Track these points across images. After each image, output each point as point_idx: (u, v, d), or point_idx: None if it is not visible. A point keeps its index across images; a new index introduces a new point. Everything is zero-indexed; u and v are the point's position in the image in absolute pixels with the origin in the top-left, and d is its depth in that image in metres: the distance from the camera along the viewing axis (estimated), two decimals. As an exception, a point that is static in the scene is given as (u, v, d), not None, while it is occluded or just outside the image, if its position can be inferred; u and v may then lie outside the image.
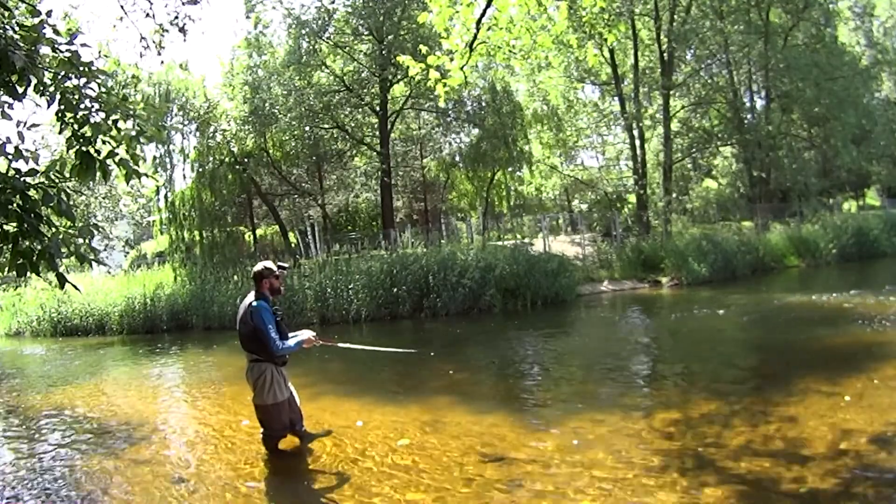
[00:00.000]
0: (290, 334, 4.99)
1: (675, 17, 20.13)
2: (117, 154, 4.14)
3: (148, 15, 7.10)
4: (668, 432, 4.83)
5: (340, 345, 5.82)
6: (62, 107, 4.02)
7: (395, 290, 13.90)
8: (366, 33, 18.66)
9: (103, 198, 22.18)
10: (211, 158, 19.41)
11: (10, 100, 3.97)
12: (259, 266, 4.96)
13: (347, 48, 19.00)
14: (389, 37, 17.68)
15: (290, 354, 4.99)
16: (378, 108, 19.54)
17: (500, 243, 18.50)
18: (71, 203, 4.11)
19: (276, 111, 17.98)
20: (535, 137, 24.15)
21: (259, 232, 25.41)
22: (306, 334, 5.05)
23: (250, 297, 4.89)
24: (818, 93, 20.89)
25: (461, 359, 9.07)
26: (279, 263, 5.09)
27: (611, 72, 21.89)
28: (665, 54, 20.36)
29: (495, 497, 3.90)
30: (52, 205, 3.82)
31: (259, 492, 4.33)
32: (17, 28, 4.00)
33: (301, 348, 4.99)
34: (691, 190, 28.09)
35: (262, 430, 5.06)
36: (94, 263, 5.01)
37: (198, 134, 19.35)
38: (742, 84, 24.45)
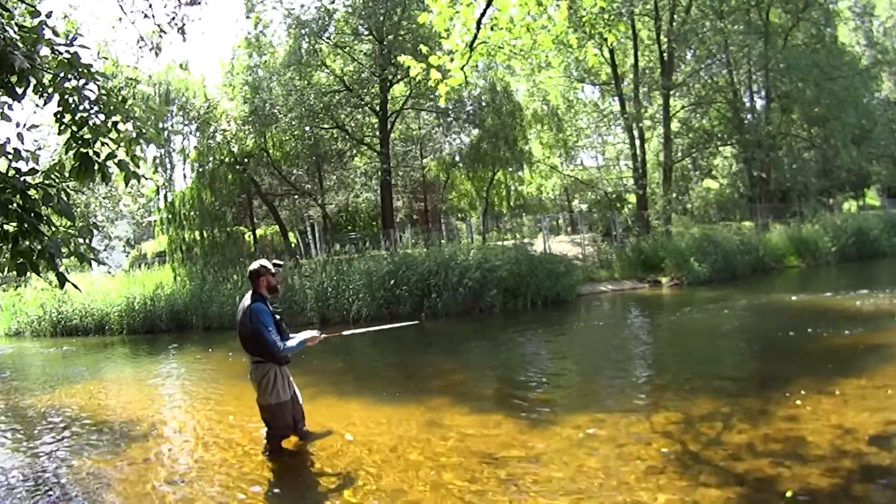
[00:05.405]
0: (291, 335, 4.99)
1: (675, 17, 20.11)
2: (116, 156, 4.14)
3: (147, 16, 7.11)
4: (668, 432, 4.83)
5: (345, 332, 5.93)
6: (60, 108, 4.02)
7: (396, 290, 13.90)
8: (366, 33, 18.65)
9: (103, 198, 22.13)
10: (211, 158, 19.43)
11: (10, 101, 3.97)
12: (255, 265, 4.96)
13: (347, 48, 18.99)
14: (389, 37, 17.67)
15: (293, 354, 4.99)
16: (378, 108, 19.53)
17: (500, 243, 18.49)
18: (71, 203, 4.10)
19: (276, 111, 17.98)
20: (535, 137, 24.17)
21: (259, 232, 25.40)
22: (309, 334, 5.06)
23: (248, 299, 4.89)
24: (818, 93, 20.87)
25: (461, 359, 9.07)
26: (274, 261, 5.11)
27: (611, 72, 21.88)
28: (665, 54, 20.35)
29: (495, 496, 3.90)
30: (52, 205, 3.82)
31: (259, 491, 4.32)
32: (16, 29, 4.00)
33: (305, 347, 5.01)
34: (691, 190, 28.10)
35: (266, 429, 5.07)
36: (94, 263, 5.01)
37: (198, 134, 19.37)
38: (742, 84, 24.42)
